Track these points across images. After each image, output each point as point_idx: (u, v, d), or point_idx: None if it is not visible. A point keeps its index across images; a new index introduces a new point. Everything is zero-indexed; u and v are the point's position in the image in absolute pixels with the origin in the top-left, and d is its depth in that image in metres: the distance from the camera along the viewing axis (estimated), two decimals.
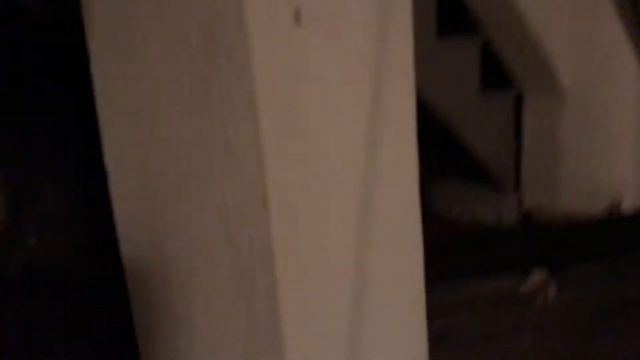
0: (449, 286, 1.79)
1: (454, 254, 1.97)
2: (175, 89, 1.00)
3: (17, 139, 1.18)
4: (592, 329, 1.90)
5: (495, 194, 2.39)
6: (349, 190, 1.00)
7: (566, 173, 2.21)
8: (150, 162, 1.09)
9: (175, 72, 1.00)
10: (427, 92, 2.00)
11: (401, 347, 1.14)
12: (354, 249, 1.03)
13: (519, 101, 2.28)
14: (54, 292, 1.20)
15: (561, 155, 2.21)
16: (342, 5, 0.95)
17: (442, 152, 2.30)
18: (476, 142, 2.24)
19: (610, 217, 2.09)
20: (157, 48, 1.00)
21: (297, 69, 0.93)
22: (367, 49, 0.99)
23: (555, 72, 2.11)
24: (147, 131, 1.07)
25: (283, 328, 0.98)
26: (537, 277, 1.89)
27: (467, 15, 2.07)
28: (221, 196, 0.98)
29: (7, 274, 1.17)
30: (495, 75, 2.19)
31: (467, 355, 1.73)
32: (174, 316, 1.16)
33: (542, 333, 1.86)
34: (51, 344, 1.19)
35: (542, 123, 2.22)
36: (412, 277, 1.14)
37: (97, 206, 1.20)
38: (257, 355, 1.02)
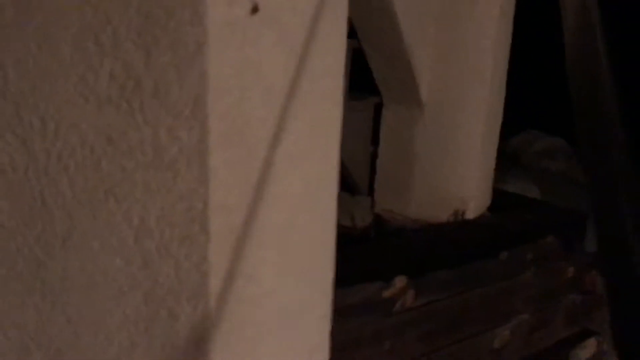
0: None
1: None
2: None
3: None
4: (442, 331, 2.04)
5: (350, 197, 2.45)
6: (283, 210, 0.95)
7: (418, 180, 2.32)
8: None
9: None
10: None
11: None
12: (279, 273, 0.98)
13: (380, 108, 2.36)
14: None
15: (414, 164, 2.32)
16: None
17: None
18: None
19: (454, 222, 2.24)
20: None
21: (249, 69, 0.85)
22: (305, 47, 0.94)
23: (416, 82, 2.20)
24: None
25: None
26: (398, 283, 1.97)
27: None
28: (140, 214, 0.88)
29: None
30: (365, 81, 2.24)
31: None
32: None
33: (400, 337, 1.95)
34: None
35: (399, 131, 2.31)
36: (324, 294, 1.13)
37: None
38: None
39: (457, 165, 2.27)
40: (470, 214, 2.32)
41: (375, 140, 2.45)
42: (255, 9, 0.86)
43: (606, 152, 0.80)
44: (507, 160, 3.12)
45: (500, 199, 2.51)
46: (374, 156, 2.46)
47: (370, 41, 2.14)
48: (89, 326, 1.00)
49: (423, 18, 2.14)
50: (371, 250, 2.17)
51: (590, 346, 2.33)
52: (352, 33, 2.14)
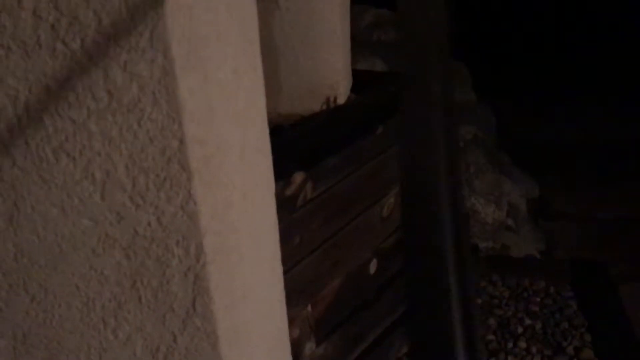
0: None
1: None
2: None
3: None
4: (340, 213, 2.13)
5: None
6: (238, 131, 0.89)
7: (284, 75, 2.29)
8: None
9: None
10: None
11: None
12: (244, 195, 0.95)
13: None
14: None
15: (278, 58, 2.28)
16: None
17: None
18: None
19: (329, 110, 2.27)
20: None
21: None
22: None
23: None
24: None
25: None
26: (297, 178, 1.99)
27: None
28: (104, 167, 0.77)
29: None
30: None
31: None
32: None
33: (307, 229, 2.00)
34: None
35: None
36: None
37: None
38: None
39: (321, 53, 2.26)
40: (341, 99, 2.36)
41: None
42: None
43: None
44: None
45: (355, 78, 2.58)
46: None
47: None
48: (60, 299, 0.90)
49: None
50: None
51: None
52: None
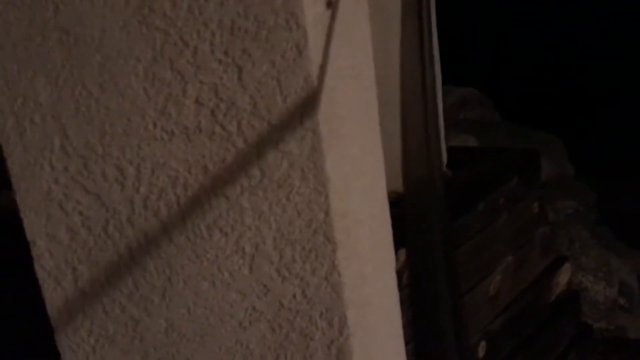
0: None
1: None
2: None
3: None
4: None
5: None
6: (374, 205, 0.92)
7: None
8: None
9: None
10: None
11: None
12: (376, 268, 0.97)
13: None
14: None
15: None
16: None
17: None
18: None
19: None
20: None
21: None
22: None
23: None
24: None
25: None
26: (401, 256, 1.99)
27: None
28: (253, 241, 0.81)
29: None
30: None
31: None
32: None
33: (411, 307, 1.98)
34: None
35: None
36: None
37: None
38: None
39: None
40: None
41: None
42: (329, 4, 0.83)
43: None
44: None
45: (449, 155, 2.60)
46: None
47: None
48: None
49: None
50: None
51: (565, 271, 2.48)
52: None
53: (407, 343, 1.90)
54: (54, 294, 0.93)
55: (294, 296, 0.88)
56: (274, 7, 0.77)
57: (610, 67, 4.80)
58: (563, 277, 2.48)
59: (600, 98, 4.71)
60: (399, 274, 1.95)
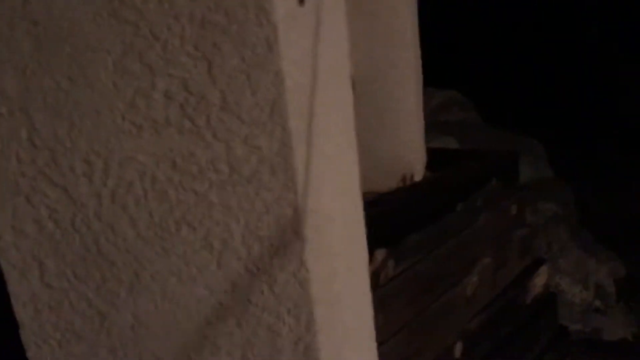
0: None
1: None
2: None
3: None
4: (423, 292, 2.10)
5: None
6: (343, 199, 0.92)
7: (362, 154, 2.35)
8: None
9: None
10: None
11: None
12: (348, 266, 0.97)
13: None
14: None
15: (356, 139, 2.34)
16: None
17: None
18: None
19: (406, 187, 2.29)
20: None
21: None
22: None
23: None
24: None
25: None
26: (379, 256, 1.99)
27: None
28: (222, 236, 0.80)
29: None
30: None
31: None
32: None
33: (390, 308, 1.98)
34: None
35: None
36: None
37: None
38: None
39: (397, 133, 2.31)
40: (418, 176, 2.38)
41: None
42: (302, 0, 0.83)
43: None
44: None
45: (430, 156, 2.60)
46: None
47: None
48: None
49: None
50: None
51: (543, 273, 2.50)
52: None
53: (381, 343, 1.91)
54: (20, 288, 0.92)
55: (262, 292, 0.88)
56: (244, 1, 0.77)
57: (590, 70, 4.85)
58: (540, 279, 2.50)
59: (580, 101, 4.75)
60: (376, 273, 1.96)
